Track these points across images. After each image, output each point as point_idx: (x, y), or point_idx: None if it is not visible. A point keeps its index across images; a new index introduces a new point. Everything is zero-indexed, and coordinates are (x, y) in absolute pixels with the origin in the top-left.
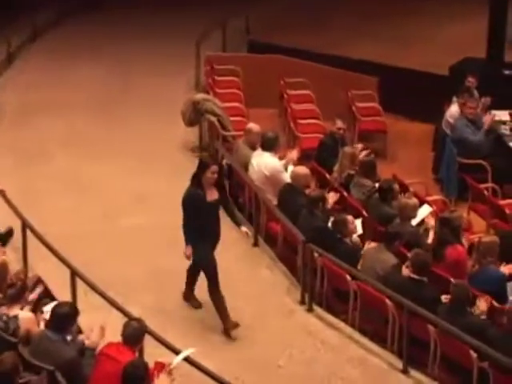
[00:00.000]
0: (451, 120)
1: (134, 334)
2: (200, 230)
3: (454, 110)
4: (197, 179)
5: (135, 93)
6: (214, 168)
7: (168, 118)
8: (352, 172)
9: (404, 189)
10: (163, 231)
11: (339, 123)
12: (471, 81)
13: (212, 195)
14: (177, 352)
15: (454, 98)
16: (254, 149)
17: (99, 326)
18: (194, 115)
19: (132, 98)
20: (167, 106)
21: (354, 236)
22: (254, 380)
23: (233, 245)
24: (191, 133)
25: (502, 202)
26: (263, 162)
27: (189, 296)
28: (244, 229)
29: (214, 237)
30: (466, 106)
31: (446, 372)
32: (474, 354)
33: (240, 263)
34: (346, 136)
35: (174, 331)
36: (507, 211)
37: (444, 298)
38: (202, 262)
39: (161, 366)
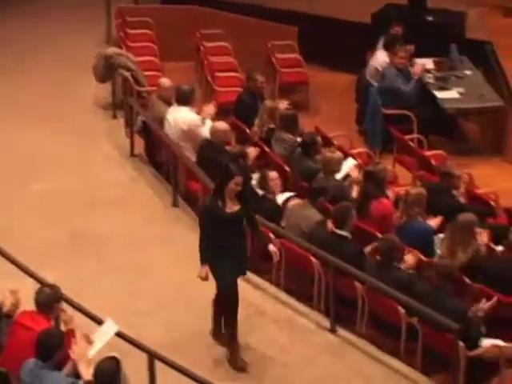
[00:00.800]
0: (380, 68)
1: (47, 301)
2: (219, 246)
3: (381, 58)
4: (220, 189)
5: (43, 52)
6: (239, 179)
7: (79, 75)
8: (273, 126)
9: (327, 142)
10: (77, 194)
11: (258, 77)
12: (397, 29)
13: (233, 207)
14: (96, 321)
15: (379, 47)
16: (169, 104)
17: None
18: (106, 70)
19: (40, 60)
20: (78, 63)
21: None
22: (178, 345)
23: (150, 204)
24: (103, 89)
25: (427, 153)
26: (180, 117)
27: (218, 333)
28: (272, 248)
29: (237, 256)
30: (396, 55)
31: (375, 329)
32: (402, 310)
33: (158, 224)
34: (266, 89)
35: (91, 297)
36: (433, 162)
37: (367, 249)
38: (221, 287)
39: (73, 333)
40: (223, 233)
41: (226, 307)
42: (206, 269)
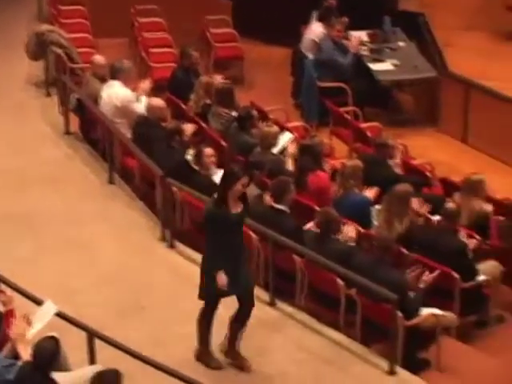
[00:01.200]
0: (317, 40)
1: None
2: (225, 250)
3: (318, 30)
4: (223, 194)
5: None
6: (245, 180)
7: (11, 53)
8: (208, 102)
9: (263, 116)
10: (11, 172)
11: (191, 52)
12: (331, 1)
13: (237, 208)
14: (35, 301)
15: (313, 19)
16: (103, 81)
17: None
18: (38, 48)
19: None
20: (9, 40)
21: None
22: (118, 322)
23: (86, 182)
24: (36, 67)
25: (363, 126)
26: (114, 93)
27: (235, 353)
28: None
29: (239, 259)
30: (333, 28)
31: (314, 301)
32: (341, 282)
33: (95, 201)
34: (201, 64)
35: (29, 277)
36: (369, 134)
37: (308, 226)
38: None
39: (13, 314)
40: (230, 235)
41: (206, 302)
42: (223, 275)
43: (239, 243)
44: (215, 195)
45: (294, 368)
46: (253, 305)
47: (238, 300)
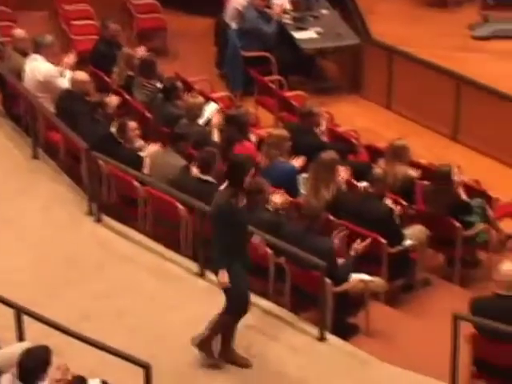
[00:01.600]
0: (241, 8)
1: None
2: (233, 247)
3: None
4: (237, 185)
5: None
6: (253, 171)
7: None
8: (131, 73)
9: (188, 87)
10: None
11: (111, 25)
12: None
13: (243, 200)
14: None
15: None
16: (25, 55)
17: None
18: None
19: None
20: None
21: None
22: (46, 297)
23: (9, 157)
24: None
25: (288, 94)
26: (36, 68)
27: (231, 354)
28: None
29: (245, 256)
30: None
31: None
32: (269, 251)
33: (20, 177)
34: (123, 36)
35: None
36: (294, 103)
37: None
38: (234, 290)
39: None
40: (238, 230)
41: (231, 306)
42: (225, 273)
43: (245, 239)
44: (225, 189)
45: None
46: (236, 306)
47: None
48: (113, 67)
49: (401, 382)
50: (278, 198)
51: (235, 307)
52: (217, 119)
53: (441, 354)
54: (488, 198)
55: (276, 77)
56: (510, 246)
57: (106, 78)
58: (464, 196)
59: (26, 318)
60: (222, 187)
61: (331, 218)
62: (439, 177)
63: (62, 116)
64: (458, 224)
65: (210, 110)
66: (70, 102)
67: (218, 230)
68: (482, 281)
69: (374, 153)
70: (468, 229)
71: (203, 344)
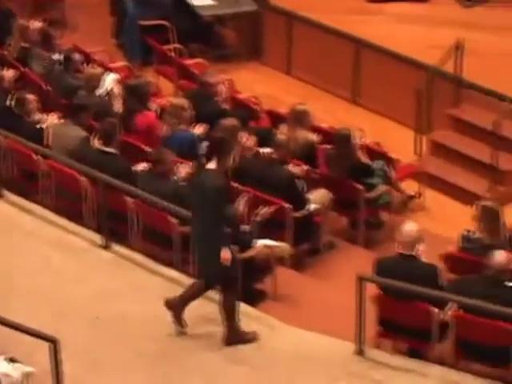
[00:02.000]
0: None
1: None
2: (225, 224)
3: None
4: (225, 164)
5: None
6: (237, 149)
7: None
8: (26, 45)
9: (87, 58)
10: None
11: None
12: None
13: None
14: None
15: None
16: None
17: None
18: None
19: None
20: None
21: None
22: None
23: None
24: None
25: (188, 62)
26: None
27: (179, 312)
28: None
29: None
30: None
31: (149, 242)
32: (174, 220)
33: None
34: (17, 6)
35: None
36: (194, 71)
37: (140, 167)
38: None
39: None
40: (228, 207)
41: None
42: (227, 250)
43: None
44: (214, 167)
45: (135, 308)
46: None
47: None
48: (6, 39)
49: (308, 345)
50: (182, 169)
51: (234, 284)
52: (117, 89)
53: (348, 315)
54: (389, 160)
55: (175, 45)
56: (412, 206)
57: (0, 51)
58: (365, 158)
59: None
60: (211, 166)
61: (235, 184)
62: (339, 140)
63: None
64: (360, 186)
65: (110, 81)
66: None
67: (218, 210)
68: (386, 242)
69: (276, 118)
70: (370, 191)
71: (231, 337)
